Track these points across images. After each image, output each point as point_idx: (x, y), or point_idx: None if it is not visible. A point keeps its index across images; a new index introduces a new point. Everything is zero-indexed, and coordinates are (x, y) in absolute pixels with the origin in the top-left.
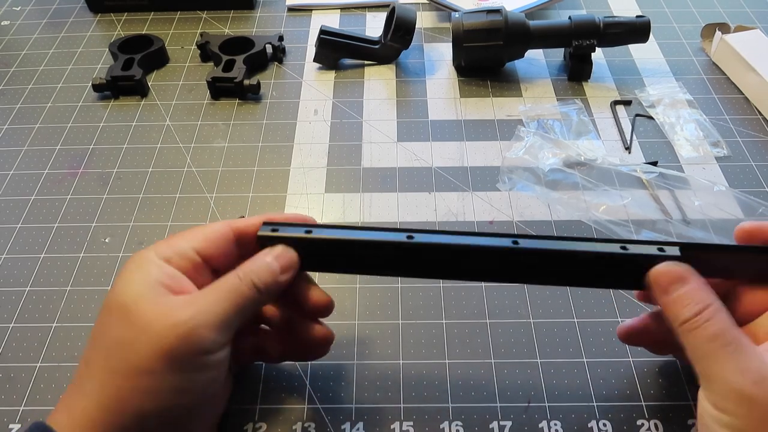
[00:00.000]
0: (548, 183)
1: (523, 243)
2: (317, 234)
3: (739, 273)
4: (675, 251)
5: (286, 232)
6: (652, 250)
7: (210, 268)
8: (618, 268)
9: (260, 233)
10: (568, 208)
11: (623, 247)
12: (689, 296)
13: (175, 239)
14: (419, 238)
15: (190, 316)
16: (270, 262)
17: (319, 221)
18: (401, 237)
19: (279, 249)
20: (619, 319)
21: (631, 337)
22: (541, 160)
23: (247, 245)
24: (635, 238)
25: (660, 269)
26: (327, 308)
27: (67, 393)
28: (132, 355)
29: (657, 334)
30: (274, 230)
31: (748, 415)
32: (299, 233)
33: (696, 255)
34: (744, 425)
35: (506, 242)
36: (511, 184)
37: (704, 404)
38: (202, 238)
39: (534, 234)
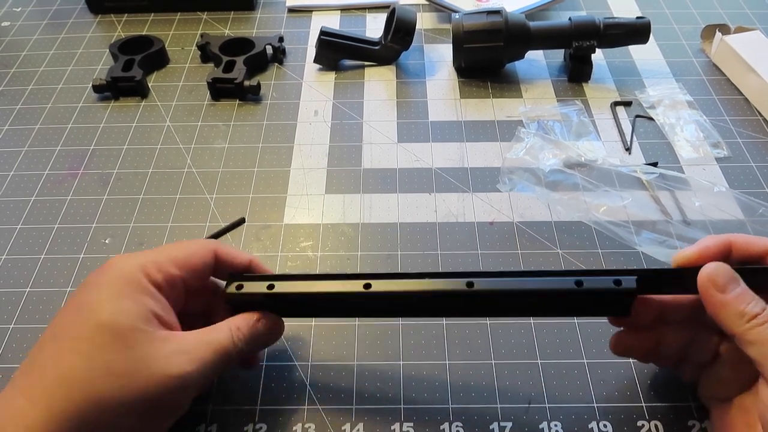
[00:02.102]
0: (548, 184)
1: (479, 284)
2: (282, 288)
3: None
4: (632, 282)
5: (251, 288)
6: (608, 283)
7: (185, 288)
8: (577, 302)
9: (228, 292)
10: (568, 209)
11: (578, 282)
12: (749, 294)
13: (164, 263)
14: (377, 286)
15: (187, 372)
16: (262, 333)
17: (319, 222)
18: (358, 287)
19: (271, 320)
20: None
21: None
22: (541, 161)
23: (223, 268)
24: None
25: (714, 269)
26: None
27: (23, 385)
28: (127, 387)
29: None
30: (239, 287)
31: None
32: (263, 289)
33: (651, 282)
34: None
35: (461, 285)
36: (512, 184)
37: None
38: (191, 268)
39: (492, 271)
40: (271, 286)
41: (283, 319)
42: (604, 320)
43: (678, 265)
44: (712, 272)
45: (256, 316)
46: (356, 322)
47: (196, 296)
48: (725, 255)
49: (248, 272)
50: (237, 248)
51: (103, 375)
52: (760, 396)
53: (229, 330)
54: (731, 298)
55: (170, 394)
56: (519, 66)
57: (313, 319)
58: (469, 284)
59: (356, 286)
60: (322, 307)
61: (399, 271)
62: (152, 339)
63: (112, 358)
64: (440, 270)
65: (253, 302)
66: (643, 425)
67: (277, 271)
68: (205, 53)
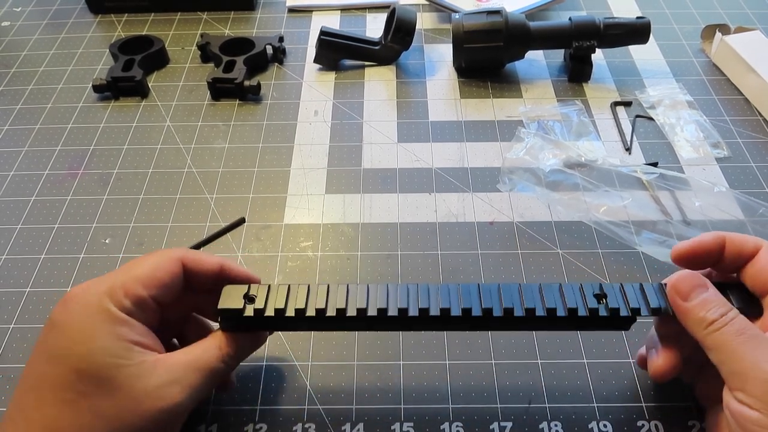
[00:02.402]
0: (549, 184)
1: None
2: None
3: None
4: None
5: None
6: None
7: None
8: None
9: (221, 318)
10: (568, 209)
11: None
12: (712, 300)
13: (129, 284)
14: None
15: (179, 402)
16: (246, 348)
17: (319, 222)
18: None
19: (258, 334)
20: None
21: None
22: (541, 161)
23: (192, 278)
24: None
25: (680, 277)
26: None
27: None
28: (118, 429)
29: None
30: (235, 312)
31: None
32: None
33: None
34: None
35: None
36: (512, 184)
37: (734, 406)
38: (158, 285)
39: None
40: (251, 300)
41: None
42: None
43: (675, 258)
44: (675, 281)
45: (246, 337)
46: None
47: (172, 307)
48: (719, 250)
49: (220, 278)
50: (205, 253)
51: (92, 420)
52: (724, 401)
53: (218, 349)
54: (692, 306)
55: (163, 424)
56: (519, 66)
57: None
58: (466, 315)
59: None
60: (316, 324)
61: (399, 272)
62: (138, 373)
63: (99, 402)
64: (440, 280)
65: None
66: (643, 425)
67: (277, 271)
68: (205, 53)
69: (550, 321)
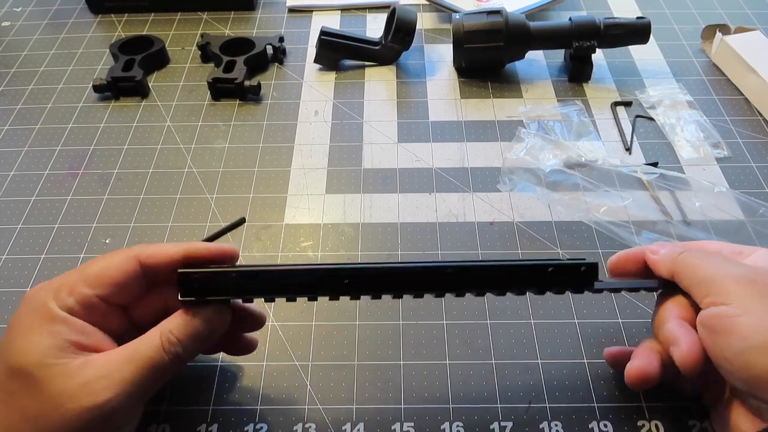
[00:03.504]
0: (549, 184)
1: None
2: (242, 269)
3: None
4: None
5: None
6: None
7: (116, 305)
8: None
9: (181, 270)
10: (568, 209)
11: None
12: (676, 244)
13: (75, 283)
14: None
15: (107, 399)
16: (201, 330)
17: (319, 222)
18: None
19: (209, 312)
20: (620, 320)
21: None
22: (541, 161)
23: (155, 274)
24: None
25: (646, 246)
26: (259, 324)
27: None
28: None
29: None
30: (188, 275)
31: (754, 291)
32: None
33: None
34: (751, 301)
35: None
36: (512, 185)
37: (703, 313)
38: (107, 283)
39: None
40: (233, 274)
41: (280, 316)
42: (604, 320)
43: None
44: (644, 246)
45: (190, 313)
46: (356, 322)
47: (139, 307)
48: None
49: (188, 266)
50: (166, 244)
51: (19, 421)
52: (697, 320)
53: (159, 338)
54: (662, 252)
55: (94, 424)
56: (519, 66)
57: (314, 318)
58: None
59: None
60: (283, 282)
61: None
62: (64, 372)
63: (25, 402)
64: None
65: (205, 289)
66: (643, 425)
67: None
68: (206, 53)
69: (511, 273)
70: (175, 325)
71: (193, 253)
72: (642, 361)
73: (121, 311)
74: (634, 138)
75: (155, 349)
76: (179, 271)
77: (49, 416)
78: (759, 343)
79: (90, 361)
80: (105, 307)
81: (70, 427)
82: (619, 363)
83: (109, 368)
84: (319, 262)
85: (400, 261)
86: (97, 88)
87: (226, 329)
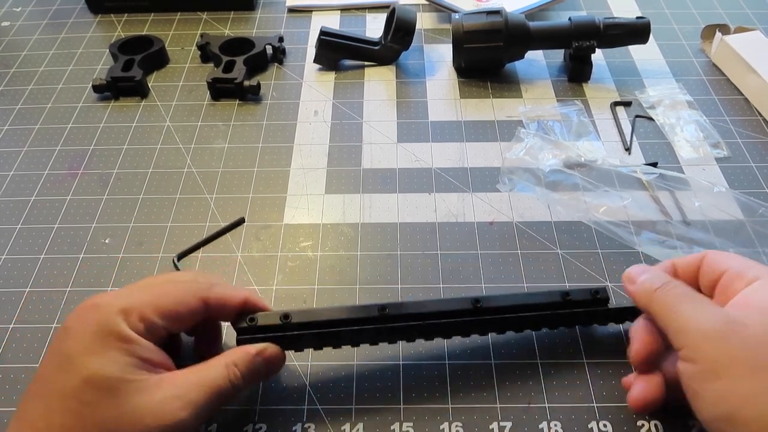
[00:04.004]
0: (548, 184)
1: (486, 302)
2: (296, 319)
3: None
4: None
5: (264, 321)
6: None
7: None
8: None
9: (237, 327)
10: (568, 209)
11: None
12: (655, 273)
13: (147, 311)
14: (391, 309)
15: (181, 418)
16: (260, 368)
17: (319, 222)
18: (373, 311)
19: (271, 351)
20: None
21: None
22: (541, 161)
23: (216, 313)
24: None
25: (630, 268)
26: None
27: None
28: None
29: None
30: (252, 320)
31: (722, 352)
32: (275, 322)
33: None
34: (718, 364)
35: (469, 304)
36: (512, 185)
37: (679, 366)
38: (176, 318)
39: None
40: (286, 316)
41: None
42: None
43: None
44: (626, 271)
45: (255, 350)
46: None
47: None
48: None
49: (245, 311)
50: (231, 287)
51: (95, 431)
52: (679, 370)
53: (225, 368)
54: (639, 282)
55: None
56: (519, 66)
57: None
58: (476, 302)
59: (371, 310)
60: (337, 333)
61: (398, 273)
62: (142, 388)
63: (103, 414)
64: (443, 296)
65: (263, 336)
66: (643, 425)
67: (277, 270)
68: (205, 53)
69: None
70: (239, 359)
71: (252, 302)
72: (642, 387)
73: (168, 336)
74: (634, 138)
75: (222, 377)
76: (243, 325)
77: (127, 430)
78: (725, 413)
79: (164, 379)
80: (165, 335)
81: None
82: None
83: (183, 389)
84: (366, 309)
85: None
86: (96, 88)
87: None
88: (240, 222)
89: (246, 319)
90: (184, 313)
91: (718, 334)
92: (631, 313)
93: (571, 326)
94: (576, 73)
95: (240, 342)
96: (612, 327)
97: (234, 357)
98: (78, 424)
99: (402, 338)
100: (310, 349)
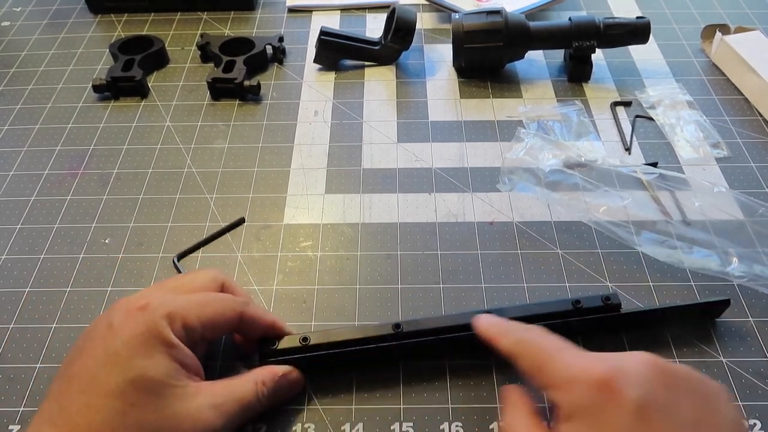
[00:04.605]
0: (548, 184)
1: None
2: (314, 350)
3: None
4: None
5: (285, 344)
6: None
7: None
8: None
9: (261, 352)
10: (568, 209)
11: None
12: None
13: (190, 318)
14: (407, 327)
15: (215, 427)
16: (284, 389)
17: (319, 222)
18: (388, 329)
19: (296, 375)
20: None
21: None
22: (541, 161)
23: (246, 328)
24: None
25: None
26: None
27: None
28: None
29: None
30: (273, 344)
31: (579, 394)
32: (296, 343)
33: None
34: (578, 405)
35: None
36: (512, 184)
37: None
38: (215, 328)
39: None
40: (305, 339)
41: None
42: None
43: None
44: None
45: (281, 371)
46: (355, 322)
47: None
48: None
49: (271, 332)
50: (262, 309)
51: None
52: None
53: (255, 384)
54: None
55: None
56: (519, 66)
57: (313, 318)
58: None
59: (386, 328)
60: (354, 355)
61: (399, 273)
62: (183, 394)
63: (145, 415)
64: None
65: (284, 359)
66: None
67: (277, 271)
68: (205, 53)
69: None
70: (267, 378)
71: (278, 326)
72: None
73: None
74: (634, 138)
75: (251, 392)
76: (267, 349)
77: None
78: None
79: (202, 388)
80: (199, 342)
81: None
82: None
83: (218, 399)
84: (380, 327)
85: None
86: (96, 88)
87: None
88: (240, 222)
89: (268, 344)
90: (222, 324)
91: (574, 375)
92: (645, 317)
93: (581, 335)
94: (576, 73)
95: (262, 362)
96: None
97: (263, 375)
98: (120, 425)
99: (421, 356)
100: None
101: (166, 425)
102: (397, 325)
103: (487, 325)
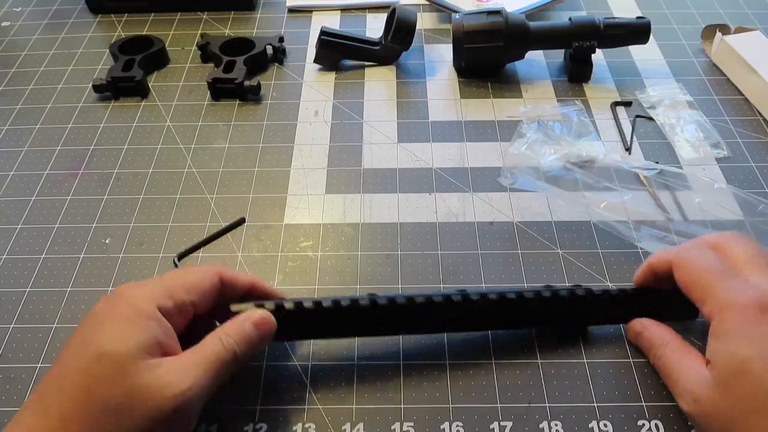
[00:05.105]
0: (549, 179)
1: (476, 296)
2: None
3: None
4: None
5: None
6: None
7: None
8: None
9: (234, 308)
10: (569, 204)
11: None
12: (647, 343)
13: (175, 288)
14: (381, 300)
15: (186, 388)
16: (251, 332)
17: (319, 222)
18: (365, 300)
19: (258, 315)
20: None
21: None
22: (542, 157)
23: (227, 292)
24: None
25: (629, 325)
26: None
27: (23, 425)
28: (125, 421)
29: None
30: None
31: (704, 417)
32: (272, 305)
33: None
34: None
35: (459, 296)
36: (513, 179)
37: (681, 408)
38: (200, 291)
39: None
40: (280, 305)
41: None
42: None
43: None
44: (629, 324)
45: (242, 317)
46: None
47: (203, 325)
48: (654, 275)
49: (251, 292)
50: (240, 271)
51: (101, 411)
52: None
53: (218, 339)
54: (640, 346)
55: (173, 415)
56: (519, 66)
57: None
58: (465, 295)
59: (363, 299)
60: (326, 320)
61: (399, 273)
62: (151, 367)
63: (111, 390)
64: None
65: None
66: (643, 425)
67: (277, 271)
68: (206, 53)
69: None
70: (230, 329)
71: (258, 286)
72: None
73: (192, 319)
74: (634, 138)
75: (217, 346)
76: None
77: (133, 406)
78: None
79: (165, 360)
80: (190, 312)
81: (153, 417)
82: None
83: (183, 365)
84: (360, 298)
85: (429, 294)
86: (96, 88)
87: (272, 336)
88: (240, 222)
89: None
90: (206, 286)
91: (689, 413)
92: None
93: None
94: (576, 73)
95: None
96: (613, 327)
97: (225, 328)
98: (87, 402)
99: (396, 327)
100: (310, 349)
101: (133, 398)
102: (372, 298)
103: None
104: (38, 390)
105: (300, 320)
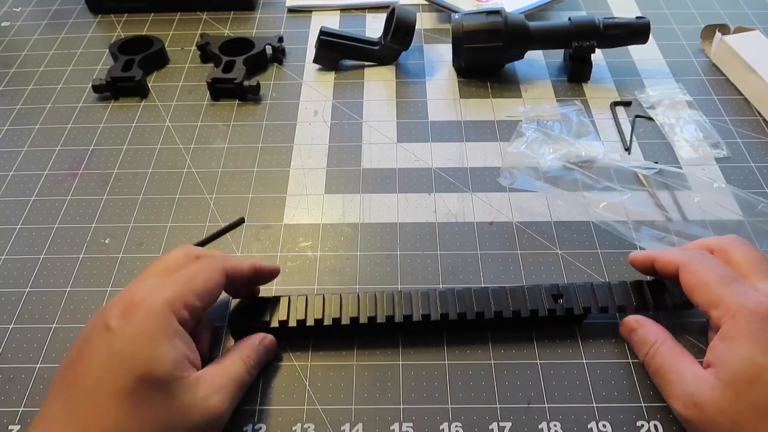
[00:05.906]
0: (549, 178)
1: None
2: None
3: None
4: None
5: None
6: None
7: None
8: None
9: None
10: (568, 204)
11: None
12: (640, 340)
13: (188, 296)
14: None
15: (223, 411)
16: (262, 354)
17: (319, 222)
18: (365, 319)
19: (269, 340)
20: (619, 321)
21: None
22: (542, 156)
23: (232, 283)
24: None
25: (623, 321)
26: (273, 275)
27: None
28: None
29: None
30: (243, 321)
31: (746, 320)
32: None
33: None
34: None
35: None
36: (512, 178)
37: (676, 412)
38: (209, 294)
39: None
40: (268, 323)
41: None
42: (604, 321)
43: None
44: (621, 324)
45: (257, 340)
46: None
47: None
48: (653, 267)
49: (256, 275)
50: (238, 259)
51: (149, 429)
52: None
53: (242, 361)
54: (632, 344)
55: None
56: (519, 66)
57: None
58: (461, 314)
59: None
60: (325, 333)
61: (398, 273)
62: (188, 386)
63: (155, 412)
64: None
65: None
66: (642, 425)
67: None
68: (205, 53)
69: (516, 322)
70: (250, 351)
71: (258, 267)
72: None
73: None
74: (634, 138)
75: (243, 369)
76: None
77: (177, 425)
78: None
79: (203, 376)
80: (199, 315)
81: None
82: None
83: (218, 385)
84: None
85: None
86: (96, 88)
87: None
88: (240, 222)
89: (237, 322)
90: (214, 288)
91: (685, 417)
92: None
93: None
94: (576, 73)
95: (235, 334)
96: (612, 327)
97: (245, 350)
98: (133, 424)
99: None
100: (310, 349)
101: (176, 418)
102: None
103: (646, 251)
104: (65, 404)
105: (300, 334)
